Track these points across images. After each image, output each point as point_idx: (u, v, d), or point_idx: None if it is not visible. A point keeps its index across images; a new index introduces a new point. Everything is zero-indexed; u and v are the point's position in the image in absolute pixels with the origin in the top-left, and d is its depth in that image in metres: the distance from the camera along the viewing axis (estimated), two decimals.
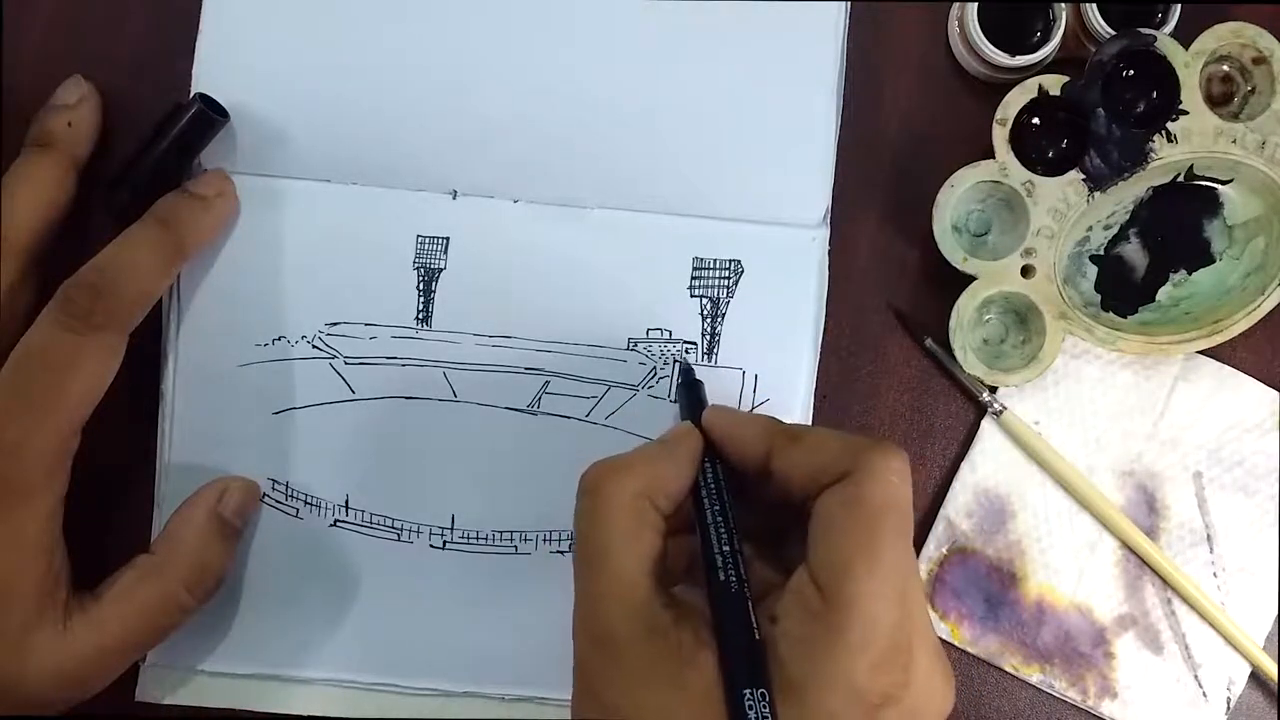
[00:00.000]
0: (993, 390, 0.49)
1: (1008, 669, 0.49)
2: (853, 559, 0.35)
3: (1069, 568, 0.49)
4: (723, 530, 0.37)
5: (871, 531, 0.35)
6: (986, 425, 0.49)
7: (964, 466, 0.49)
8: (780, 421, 0.40)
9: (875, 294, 0.49)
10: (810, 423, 0.48)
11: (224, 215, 0.47)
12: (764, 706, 0.33)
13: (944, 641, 0.48)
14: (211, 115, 0.47)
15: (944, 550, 0.49)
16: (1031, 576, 0.49)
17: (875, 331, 0.49)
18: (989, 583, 0.49)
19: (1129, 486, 0.49)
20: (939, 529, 0.49)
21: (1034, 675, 0.49)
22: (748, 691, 0.33)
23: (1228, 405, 0.49)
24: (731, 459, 0.40)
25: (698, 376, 0.45)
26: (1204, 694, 0.49)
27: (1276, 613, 0.49)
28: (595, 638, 0.36)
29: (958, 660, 0.49)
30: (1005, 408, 0.49)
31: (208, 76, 0.48)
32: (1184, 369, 0.49)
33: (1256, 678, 0.49)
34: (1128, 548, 0.49)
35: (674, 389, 0.48)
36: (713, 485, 0.39)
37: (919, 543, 0.49)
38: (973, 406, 0.49)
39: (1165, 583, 0.49)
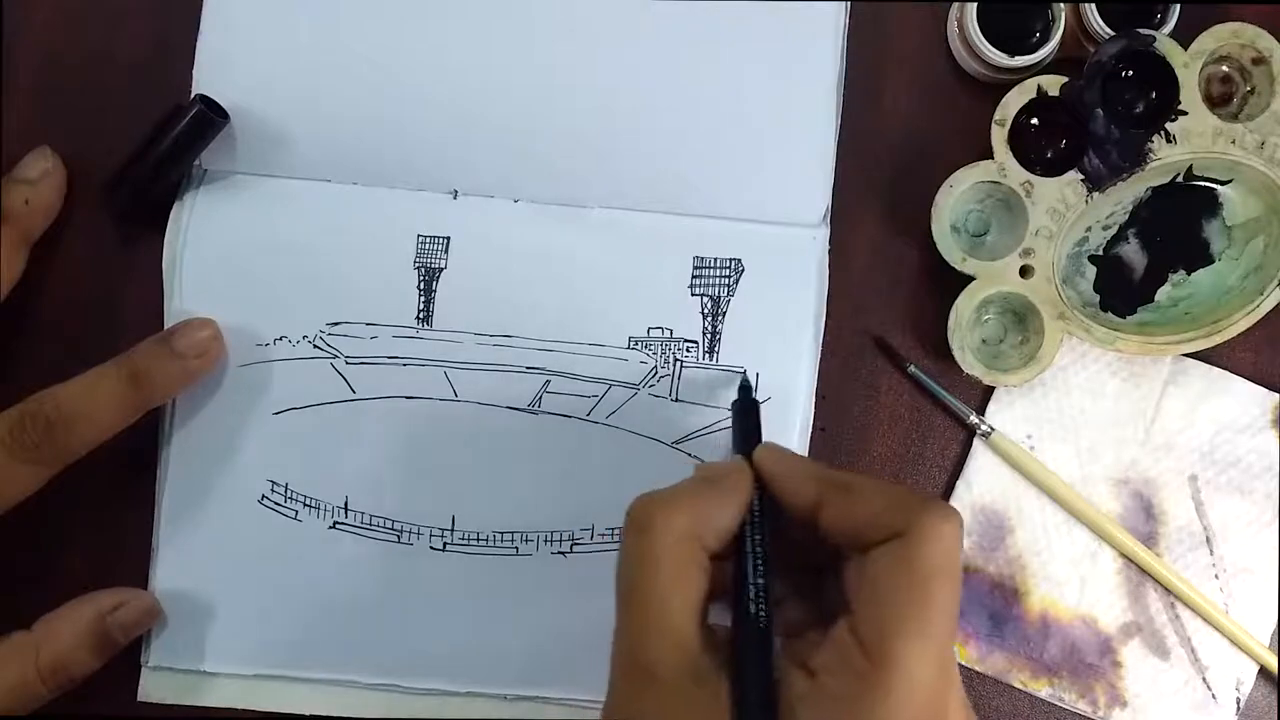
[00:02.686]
0: (980, 411, 0.49)
1: (1016, 685, 0.49)
2: (904, 623, 0.34)
3: (1071, 579, 0.49)
4: (759, 563, 0.37)
5: (925, 596, 0.34)
6: (978, 443, 0.49)
7: (959, 485, 0.49)
8: (831, 470, 0.39)
9: (875, 294, 0.49)
10: (810, 422, 0.48)
11: (200, 374, 0.47)
12: None
13: None
14: (211, 116, 0.47)
15: None
16: (1034, 590, 0.49)
17: (875, 331, 0.49)
18: (992, 600, 0.49)
19: (1125, 494, 0.49)
20: None
21: (1043, 689, 0.49)
22: None
23: (1218, 406, 0.49)
24: (777, 499, 0.39)
25: (753, 397, 0.45)
26: (1213, 696, 0.49)
27: (1279, 610, 0.49)
28: (636, 675, 0.35)
29: (966, 679, 0.49)
30: (993, 429, 0.49)
31: (208, 77, 0.48)
32: (1172, 373, 0.49)
33: (1265, 676, 0.49)
34: (1126, 558, 0.49)
35: (731, 415, 0.46)
36: (757, 518, 0.38)
37: None
38: (971, 408, 0.49)
39: (1167, 590, 0.49)
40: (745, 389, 0.46)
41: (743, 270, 0.48)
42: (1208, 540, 0.49)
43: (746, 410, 0.44)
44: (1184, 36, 0.46)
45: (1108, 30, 0.47)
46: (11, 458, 0.42)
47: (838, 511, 0.37)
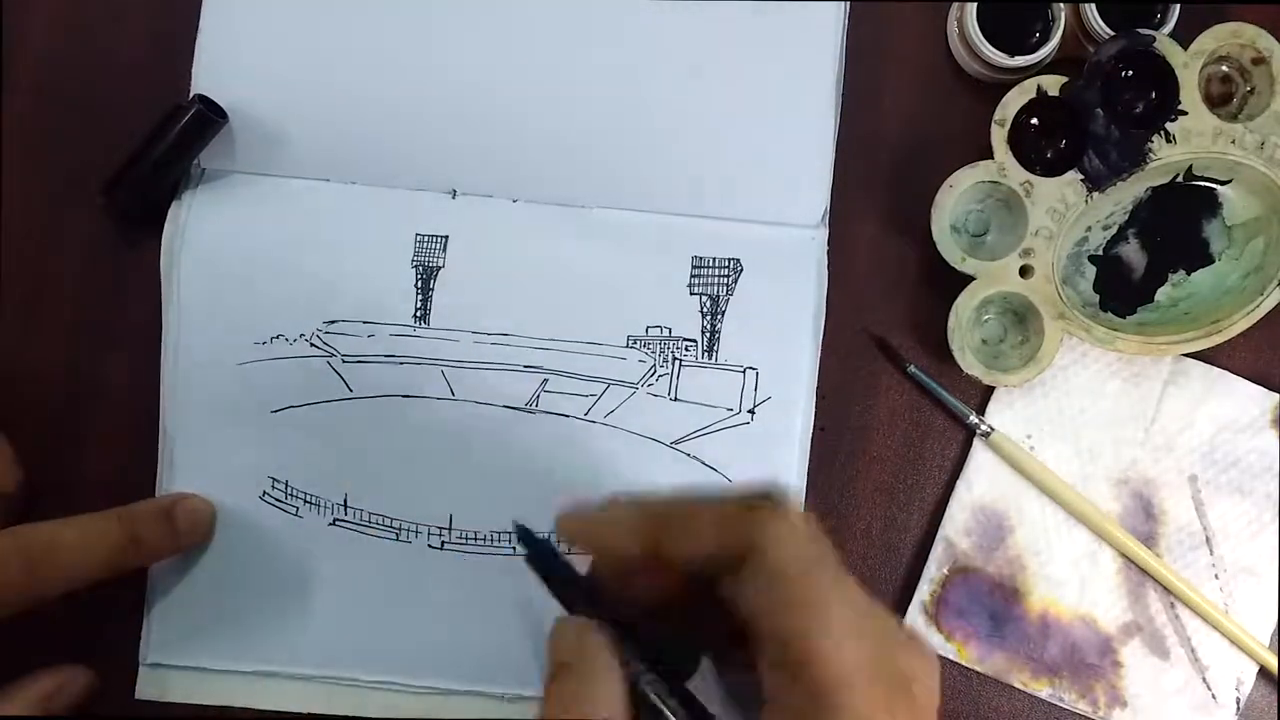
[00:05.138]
0: (980, 411, 0.49)
1: (1017, 685, 0.48)
2: (809, 638, 0.31)
3: (1071, 579, 0.49)
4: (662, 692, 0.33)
5: (806, 600, 0.31)
6: (978, 442, 0.49)
7: (959, 485, 0.49)
8: (651, 501, 0.34)
9: (875, 294, 0.49)
10: (810, 422, 0.48)
11: (190, 546, 0.47)
12: None
13: (950, 661, 0.48)
14: (210, 116, 0.47)
15: (945, 570, 0.49)
16: (1034, 590, 0.49)
17: (875, 331, 0.49)
18: (992, 600, 0.49)
19: (1125, 494, 0.49)
20: (939, 550, 0.49)
21: (1043, 690, 0.49)
22: None
23: (1219, 407, 0.49)
24: (611, 565, 0.35)
25: (538, 538, 0.38)
26: (1213, 696, 0.48)
27: (1279, 610, 0.49)
28: None
29: (966, 679, 0.49)
30: (993, 429, 0.49)
31: (207, 77, 0.49)
32: (1172, 373, 0.49)
33: (1265, 676, 0.49)
34: (1126, 558, 0.49)
35: (530, 569, 0.38)
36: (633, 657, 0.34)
37: (919, 564, 0.49)
38: (971, 408, 0.49)
39: (1167, 590, 0.49)
40: (524, 537, 0.38)
41: (741, 270, 0.48)
42: (1208, 540, 0.49)
43: (542, 558, 0.37)
44: (1184, 36, 0.46)
45: (1108, 30, 0.47)
46: None
47: (678, 550, 0.33)
